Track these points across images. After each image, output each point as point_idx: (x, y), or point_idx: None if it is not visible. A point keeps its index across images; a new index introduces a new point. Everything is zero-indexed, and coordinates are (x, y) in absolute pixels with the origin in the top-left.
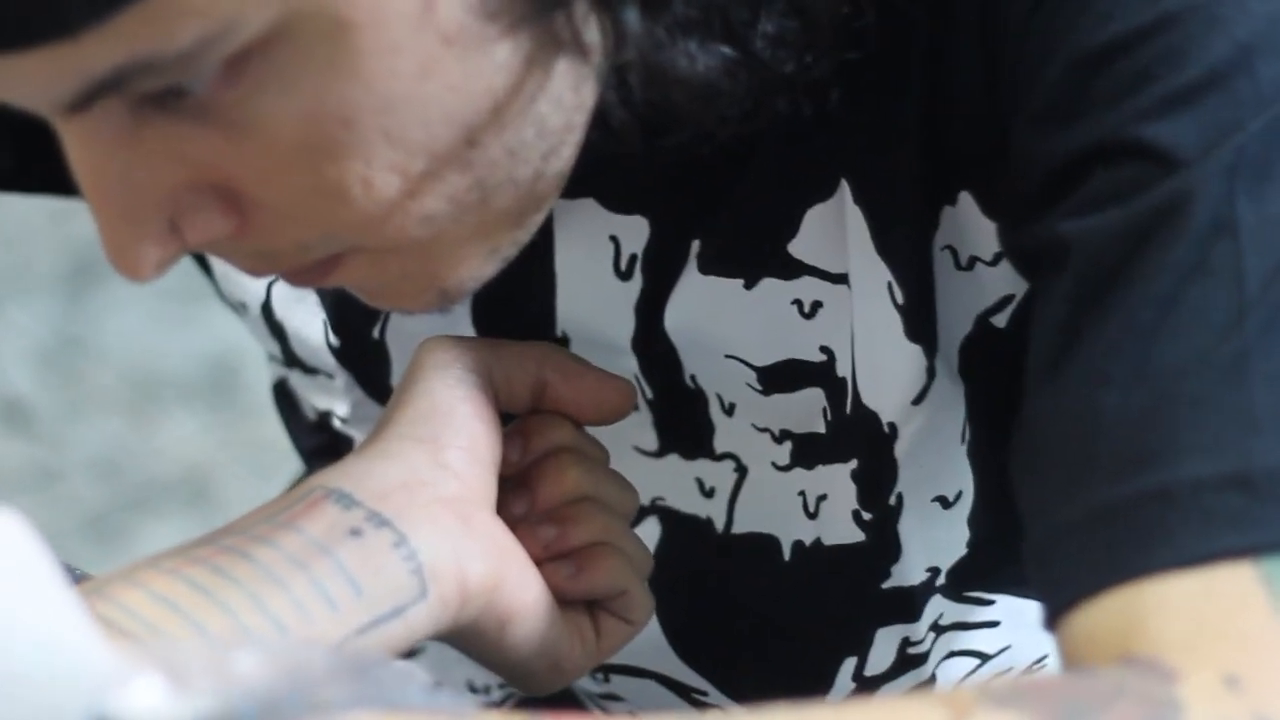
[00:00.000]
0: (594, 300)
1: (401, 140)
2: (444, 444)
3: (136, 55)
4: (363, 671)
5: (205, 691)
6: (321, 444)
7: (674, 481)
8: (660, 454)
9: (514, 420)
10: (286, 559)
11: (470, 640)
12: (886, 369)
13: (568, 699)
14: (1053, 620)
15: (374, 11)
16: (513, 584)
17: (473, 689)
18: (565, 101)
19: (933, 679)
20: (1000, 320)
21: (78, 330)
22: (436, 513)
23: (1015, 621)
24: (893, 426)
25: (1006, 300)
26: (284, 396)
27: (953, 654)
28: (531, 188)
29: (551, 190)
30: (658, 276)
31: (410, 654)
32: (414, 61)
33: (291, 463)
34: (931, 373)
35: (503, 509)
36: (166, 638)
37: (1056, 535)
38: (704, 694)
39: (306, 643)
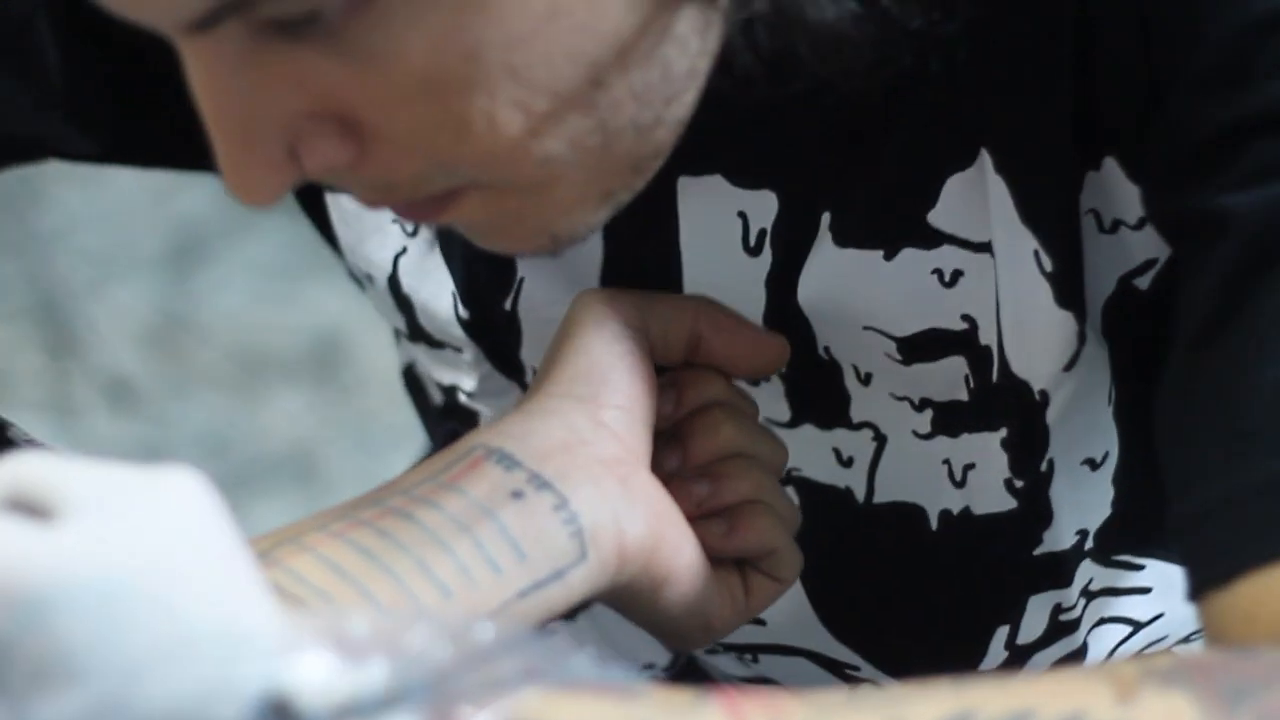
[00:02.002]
0: (722, 276)
1: (527, 77)
2: (603, 403)
3: None
4: (531, 644)
5: (377, 665)
6: (450, 432)
7: (810, 452)
8: (794, 425)
9: (667, 373)
10: (450, 521)
11: (625, 600)
12: (1037, 337)
13: (706, 682)
14: (1200, 592)
15: None
16: (670, 546)
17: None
18: (690, 46)
19: (1084, 646)
20: (1143, 283)
21: (182, 308)
22: (597, 474)
23: (1166, 588)
24: (1044, 394)
25: (1150, 264)
26: (413, 381)
27: (1104, 620)
28: (652, 133)
29: (671, 137)
30: (788, 250)
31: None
32: (543, 0)
33: (396, 437)
34: (1082, 338)
35: (655, 464)
36: (336, 605)
37: (1209, 507)
38: (856, 669)
39: (475, 616)
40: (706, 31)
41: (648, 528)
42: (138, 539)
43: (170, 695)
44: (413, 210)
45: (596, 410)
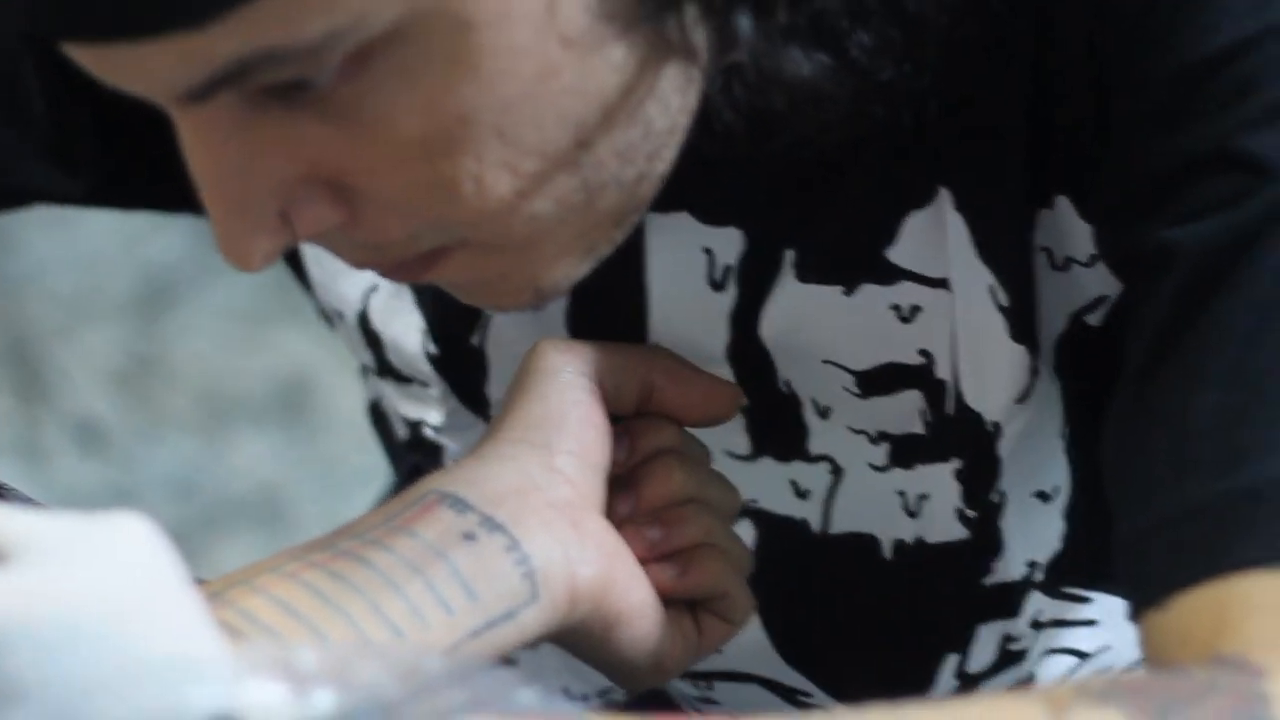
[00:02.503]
0: (687, 311)
1: (515, 139)
2: (556, 449)
3: (262, 47)
4: (478, 677)
5: (324, 695)
6: (415, 465)
7: (768, 484)
8: (753, 458)
9: (620, 421)
10: (403, 564)
11: (577, 640)
12: (991, 370)
13: (665, 704)
14: (1139, 613)
15: (498, 12)
16: (621, 587)
17: (569, 696)
18: (672, 104)
19: (1032, 677)
20: (1094, 319)
21: (151, 352)
22: (548, 517)
23: (1113, 621)
24: (997, 425)
25: (1100, 300)
26: (379, 417)
27: (1052, 651)
28: (635, 189)
29: (653, 191)
30: (752, 286)
31: (508, 663)
32: (534, 63)
33: (363, 480)
34: (1035, 372)
35: (608, 509)
36: (284, 639)
37: (1147, 531)
38: (808, 695)
39: (421, 649)
40: (687, 89)
41: (599, 569)
42: (89, 579)
43: (122, 718)
44: (400, 271)
45: (550, 456)
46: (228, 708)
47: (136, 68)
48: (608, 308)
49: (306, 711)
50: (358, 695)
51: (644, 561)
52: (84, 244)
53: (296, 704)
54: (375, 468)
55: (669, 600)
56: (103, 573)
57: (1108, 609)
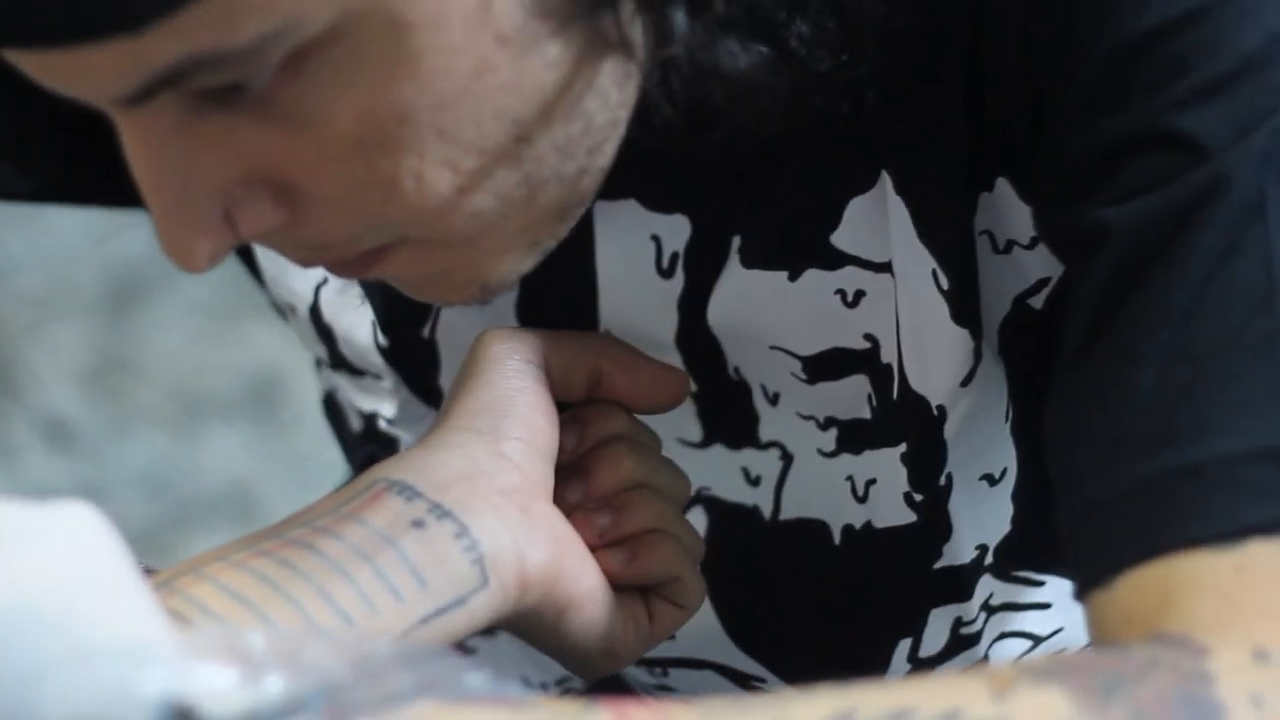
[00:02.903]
0: (636, 298)
1: (454, 137)
2: (503, 435)
3: (199, 51)
4: (427, 661)
5: (273, 678)
6: (370, 455)
7: (720, 471)
8: (705, 445)
9: (569, 409)
10: (351, 551)
11: (528, 627)
12: (935, 353)
13: (622, 692)
14: (1084, 592)
15: (432, 11)
16: (570, 572)
17: (528, 685)
18: (611, 98)
19: (986, 660)
20: (1037, 302)
21: (120, 349)
22: (497, 503)
23: (1066, 604)
24: (942, 409)
25: (1043, 283)
26: (334, 409)
27: (1005, 635)
28: (576, 183)
29: (595, 185)
30: (700, 273)
31: (466, 652)
32: (470, 61)
33: (335, 475)
34: (978, 354)
35: (558, 496)
36: (232, 624)
37: (1089, 510)
38: (762, 681)
39: (370, 633)
40: (626, 83)
41: (548, 555)
42: (33, 566)
43: (73, 704)
44: (344, 268)
45: (497, 443)
46: (178, 692)
47: (75, 72)
48: (557, 296)
49: (256, 696)
50: (307, 679)
51: (594, 548)
52: (52, 242)
53: (246, 688)
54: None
55: (620, 586)
56: (49, 559)
57: (1060, 592)
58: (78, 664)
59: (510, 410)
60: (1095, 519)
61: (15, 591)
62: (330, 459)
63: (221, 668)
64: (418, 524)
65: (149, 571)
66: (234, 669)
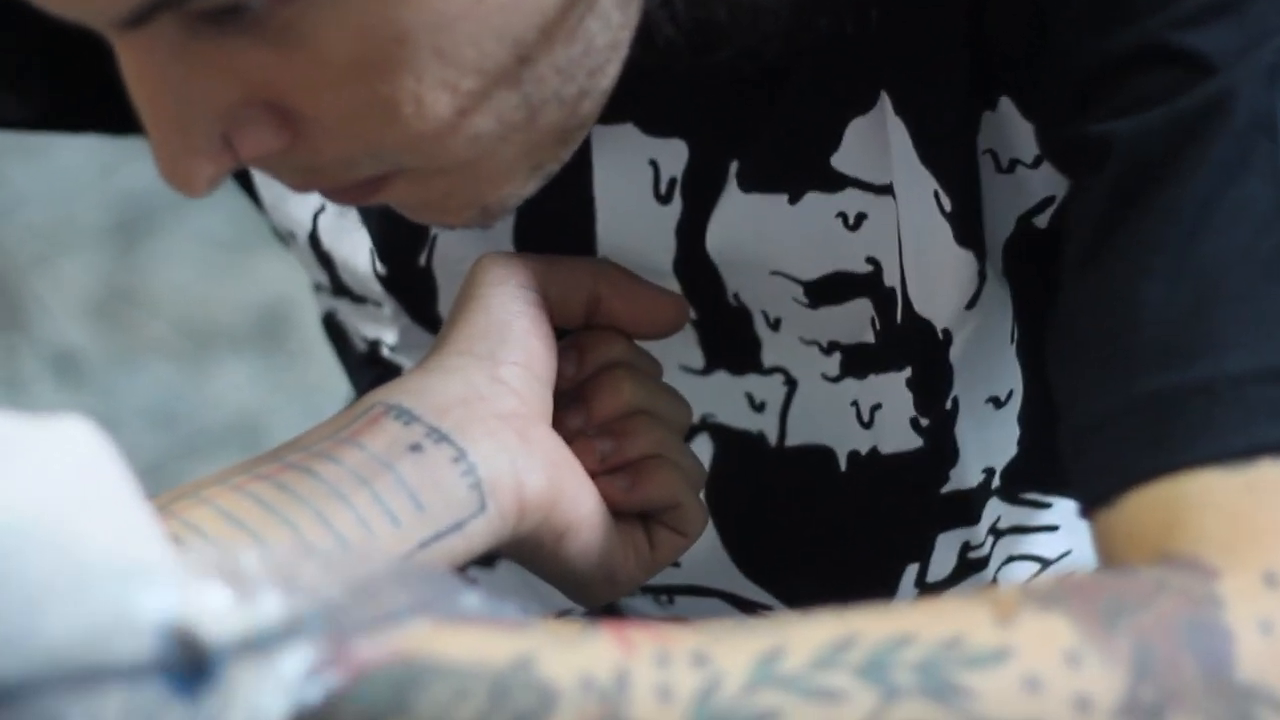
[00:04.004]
0: (634, 224)
1: (453, 57)
2: (501, 360)
3: None
4: (422, 581)
5: (271, 598)
6: (374, 378)
7: (723, 398)
8: (707, 371)
9: (568, 335)
10: (349, 474)
11: (527, 552)
12: (938, 277)
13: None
14: (1090, 508)
15: None
16: (569, 497)
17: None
18: (612, 19)
19: (994, 584)
20: (1041, 221)
21: (128, 281)
22: (494, 428)
23: (1074, 526)
24: (947, 332)
25: (1047, 201)
26: (334, 328)
27: (1013, 559)
28: (576, 105)
29: (596, 108)
30: (697, 198)
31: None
32: None
33: (342, 405)
34: (983, 276)
35: (559, 423)
36: (227, 545)
37: (1096, 423)
38: (769, 608)
39: (367, 553)
40: (628, 4)
41: (547, 479)
42: (29, 483)
43: (71, 626)
44: (342, 194)
45: (494, 367)
46: (177, 613)
47: None
48: (555, 222)
49: (253, 615)
50: (303, 599)
51: (594, 474)
52: (59, 174)
53: (243, 608)
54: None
55: (621, 513)
56: (44, 475)
57: (1068, 514)
58: (76, 585)
59: (508, 335)
60: (1101, 434)
61: (10, 510)
62: (338, 389)
63: (218, 588)
64: (415, 448)
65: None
66: (229, 589)
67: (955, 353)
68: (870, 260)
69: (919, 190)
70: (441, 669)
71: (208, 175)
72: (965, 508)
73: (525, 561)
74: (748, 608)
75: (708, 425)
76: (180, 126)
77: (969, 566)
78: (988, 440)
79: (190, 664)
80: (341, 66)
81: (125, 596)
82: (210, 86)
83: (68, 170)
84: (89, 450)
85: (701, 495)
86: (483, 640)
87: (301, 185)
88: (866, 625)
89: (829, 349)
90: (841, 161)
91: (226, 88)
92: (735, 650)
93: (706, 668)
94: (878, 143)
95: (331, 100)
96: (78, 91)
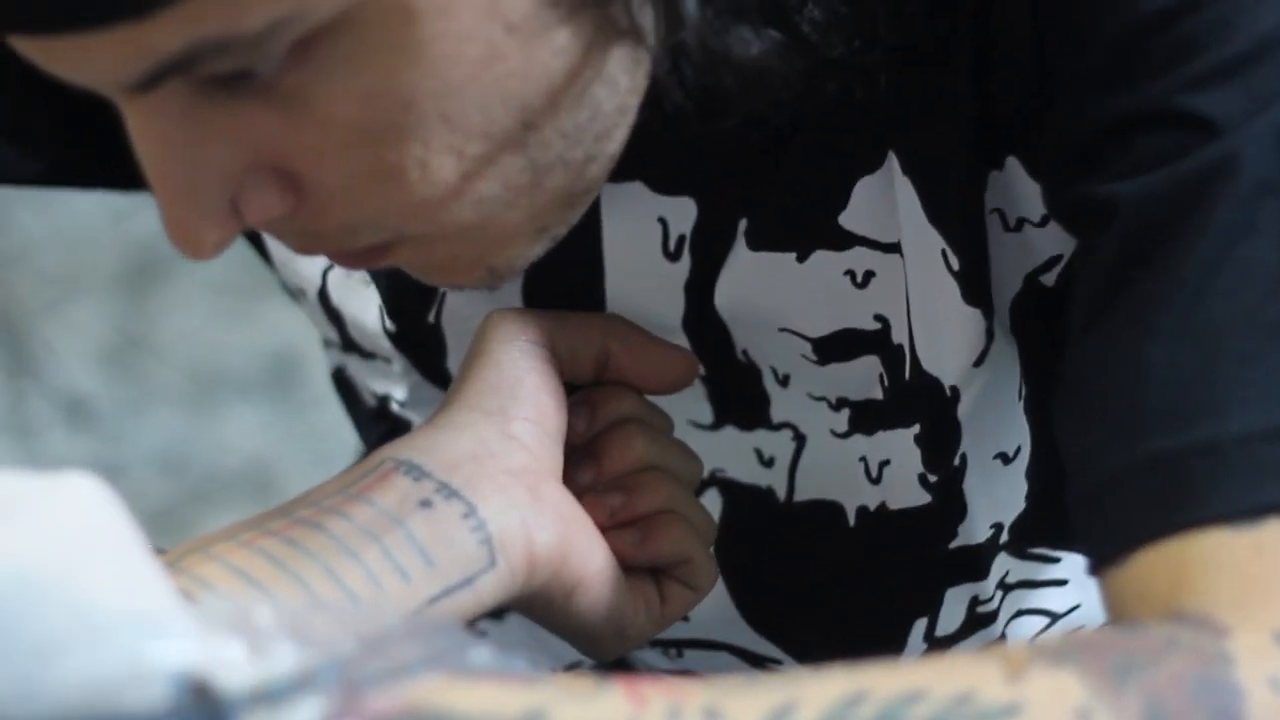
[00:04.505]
0: (643, 282)
1: (460, 124)
2: (511, 415)
3: (207, 37)
4: (434, 635)
5: (284, 651)
6: (384, 433)
7: (733, 453)
8: (716, 427)
9: (579, 390)
10: (359, 530)
11: (538, 608)
12: (946, 334)
13: (635, 671)
14: (1098, 568)
15: None
16: (579, 552)
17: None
18: (620, 85)
19: (1003, 638)
20: (1049, 279)
21: (139, 328)
22: (505, 483)
23: (1083, 580)
24: (955, 390)
25: (1055, 260)
26: (343, 384)
27: (1021, 613)
28: (583, 170)
29: (603, 172)
30: (706, 256)
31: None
32: (478, 48)
33: (352, 453)
34: (990, 334)
35: (569, 478)
36: (239, 599)
37: (1104, 484)
38: (777, 662)
39: (379, 607)
40: (635, 70)
41: (557, 535)
42: (35, 536)
43: (83, 677)
44: (345, 259)
45: (505, 423)
46: (191, 664)
47: (81, 59)
48: (564, 279)
49: (266, 667)
50: (315, 651)
51: (605, 529)
52: (71, 221)
53: (257, 660)
54: None
55: (632, 568)
56: (52, 529)
57: (1076, 568)
58: (86, 638)
59: (518, 391)
60: (1109, 494)
61: (18, 563)
62: (348, 437)
63: (233, 640)
64: (425, 504)
65: (157, 551)
66: (243, 641)
67: (963, 410)
68: (878, 318)
69: (927, 249)
70: None
71: (215, 240)
72: (974, 562)
73: (535, 616)
74: (757, 662)
75: (717, 480)
76: (188, 191)
77: (978, 621)
78: (996, 496)
79: (205, 714)
80: (348, 132)
81: (138, 646)
82: (218, 151)
83: (79, 217)
84: (95, 504)
85: (711, 550)
86: (495, 694)
87: (305, 249)
88: (877, 681)
89: (837, 405)
90: (850, 220)
91: (234, 153)
92: (747, 706)
93: None
94: (885, 201)
95: (337, 165)
96: (86, 148)
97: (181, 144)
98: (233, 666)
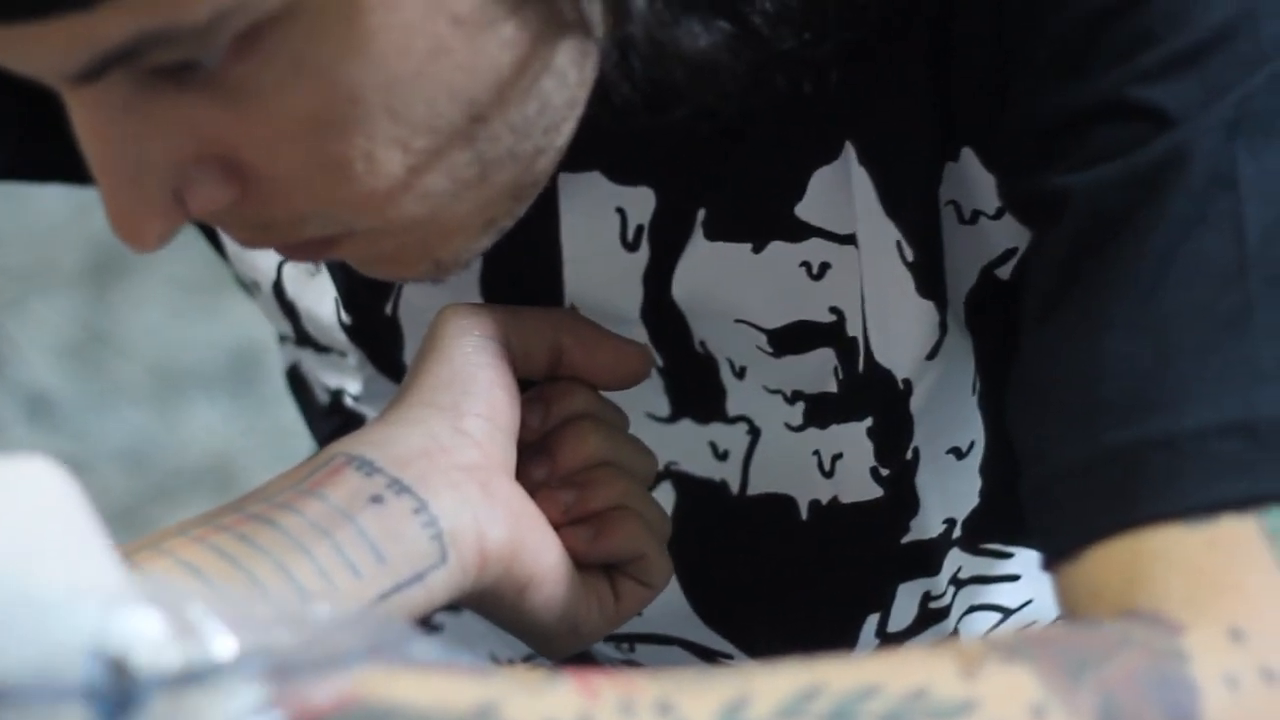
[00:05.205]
0: (601, 272)
1: (406, 117)
2: (464, 411)
3: (151, 28)
4: (372, 625)
5: (218, 639)
6: (336, 428)
7: (688, 446)
8: (673, 419)
9: (533, 386)
10: (310, 526)
11: (490, 604)
12: (899, 326)
13: (588, 662)
14: (1052, 562)
15: None
16: (532, 549)
17: (495, 662)
18: (569, 78)
19: (956, 634)
20: (1004, 273)
21: (101, 324)
22: (456, 479)
23: (1035, 575)
24: (907, 383)
25: (1010, 253)
26: (297, 381)
27: (974, 608)
28: (532, 163)
29: (551, 165)
30: (664, 246)
31: (432, 629)
32: (424, 41)
33: (313, 449)
34: (944, 327)
35: (523, 474)
36: (176, 588)
37: (1057, 477)
38: (729, 657)
39: (319, 601)
40: (584, 63)
41: (509, 531)
42: None
43: (17, 655)
44: (292, 251)
45: (457, 419)
46: (112, 640)
47: (23, 49)
48: (522, 270)
49: (195, 650)
50: (250, 637)
51: (559, 526)
52: (34, 216)
53: (185, 642)
54: None
55: (585, 565)
56: (2, 508)
57: (1029, 563)
58: (25, 613)
59: (471, 386)
60: (1062, 488)
61: None
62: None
63: (154, 613)
64: (376, 499)
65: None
66: (173, 625)
67: (916, 403)
68: (833, 310)
69: (882, 240)
70: (403, 714)
71: (159, 231)
72: (926, 558)
73: (487, 613)
74: (709, 656)
75: (671, 473)
76: (131, 182)
77: (930, 616)
78: (949, 491)
79: (118, 691)
80: (294, 124)
81: (65, 621)
82: (162, 142)
83: (43, 213)
84: (49, 484)
85: (664, 547)
86: (444, 686)
87: (251, 241)
88: (832, 675)
89: (792, 398)
90: (805, 211)
91: (178, 144)
92: (700, 699)
93: (670, 716)
94: (842, 193)
95: (283, 157)
96: (44, 141)
97: (125, 135)
98: (156, 646)
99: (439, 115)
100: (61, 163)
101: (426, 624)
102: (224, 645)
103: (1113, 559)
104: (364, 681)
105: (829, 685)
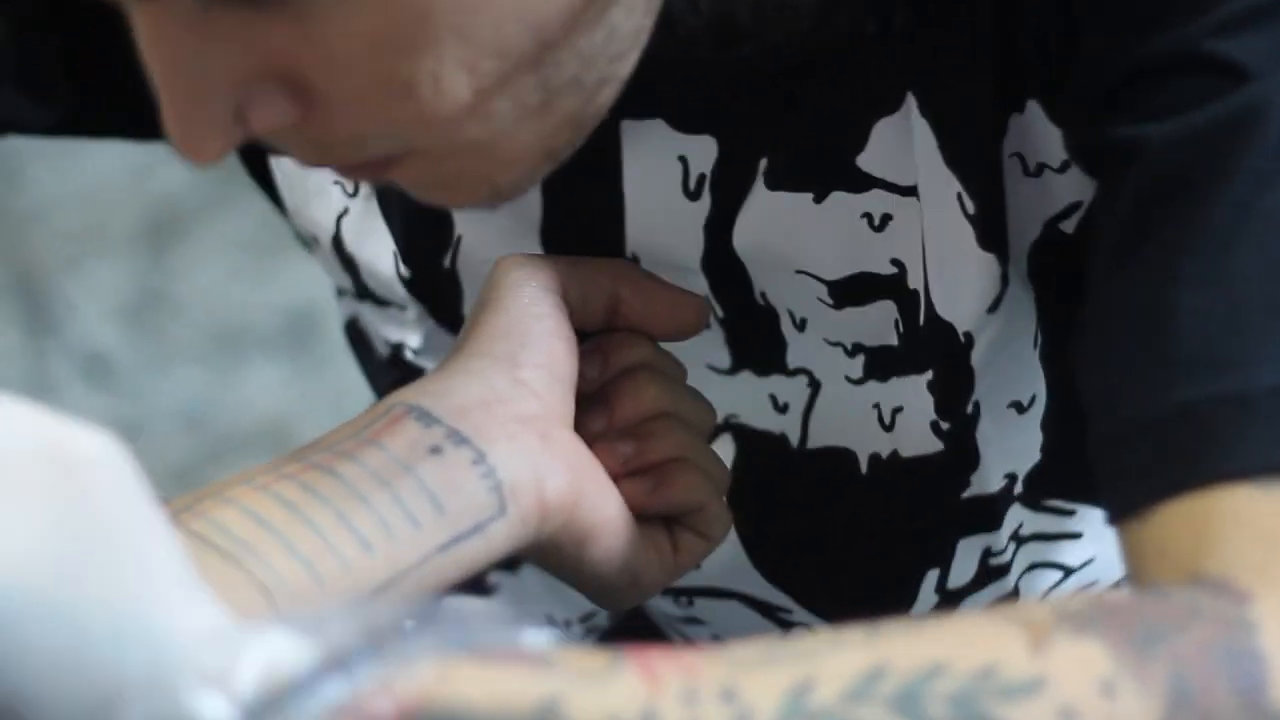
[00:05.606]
0: (663, 221)
1: (474, 39)
2: (522, 361)
3: None
4: (440, 615)
5: (286, 642)
6: (395, 380)
7: (748, 398)
8: (733, 371)
9: (591, 337)
10: (370, 476)
11: (549, 557)
12: (960, 279)
13: (647, 627)
14: (1118, 518)
15: None
16: (591, 500)
17: (552, 623)
18: (636, 7)
19: (1016, 591)
20: (1068, 226)
21: (159, 285)
22: (514, 430)
23: (1097, 534)
24: (969, 335)
25: (1074, 207)
26: (356, 335)
27: (1035, 566)
28: (596, 93)
29: (613, 96)
30: (726, 195)
31: (488, 590)
32: None
33: None
34: (1005, 280)
35: (581, 426)
36: (256, 554)
37: (1126, 432)
38: (788, 611)
39: (381, 598)
40: None
41: (568, 483)
42: (40, 534)
43: (70, 703)
44: (353, 171)
45: (515, 369)
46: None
47: None
48: (583, 219)
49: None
50: (324, 647)
51: (617, 477)
52: (90, 178)
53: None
54: None
55: (644, 517)
56: (55, 524)
57: (1091, 521)
58: (77, 662)
59: (529, 337)
60: (1131, 444)
61: (17, 573)
62: (366, 392)
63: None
64: (435, 450)
65: (168, 500)
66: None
67: (977, 357)
68: (894, 262)
69: (943, 192)
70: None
71: (219, 146)
72: (987, 513)
73: (548, 566)
74: (767, 610)
75: (730, 426)
76: (193, 97)
77: (990, 573)
78: (1010, 446)
79: None
80: (361, 43)
81: (185, 696)
82: (225, 59)
83: (99, 174)
84: (108, 482)
85: (724, 498)
86: (504, 682)
87: (312, 160)
88: (897, 654)
89: (853, 351)
90: (867, 162)
91: (242, 60)
92: (764, 684)
93: (735, 703)
94: (903, 143)
95: (348, 77)
96: (101, 96)
97: (189, 49)
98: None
99: (507, 39)
100: (118, 119)
101: (482, 584)
102: (304, 655)
103: (1181, 517)
104: (431, 678)
105: (894, 665)
